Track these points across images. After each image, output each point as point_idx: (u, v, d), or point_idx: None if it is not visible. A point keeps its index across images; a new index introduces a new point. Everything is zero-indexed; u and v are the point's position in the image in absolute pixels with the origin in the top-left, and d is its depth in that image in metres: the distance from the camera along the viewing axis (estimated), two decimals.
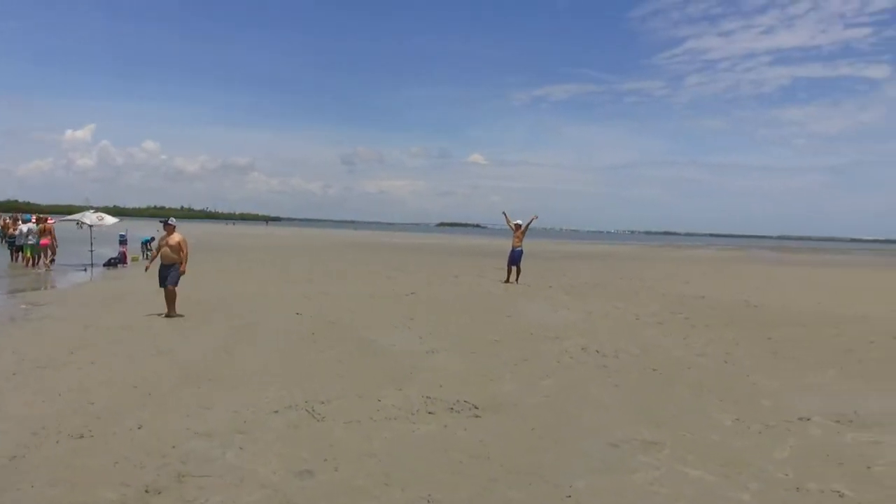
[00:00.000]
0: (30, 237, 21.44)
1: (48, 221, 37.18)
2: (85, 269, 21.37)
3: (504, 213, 20.18)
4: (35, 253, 21.71)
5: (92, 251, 23.00)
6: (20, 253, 22.33)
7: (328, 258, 31.85)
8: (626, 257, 45.12)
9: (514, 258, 19.32)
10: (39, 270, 21.11)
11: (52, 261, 22.19)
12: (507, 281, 19.45)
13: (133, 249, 26.22)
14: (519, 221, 19.49)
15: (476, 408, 6.47)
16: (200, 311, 12.33)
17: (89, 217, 22.60)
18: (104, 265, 22.85)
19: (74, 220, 23.41)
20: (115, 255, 24.19)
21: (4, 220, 34.23)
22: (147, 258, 24.37)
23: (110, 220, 23.55)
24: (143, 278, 18.09)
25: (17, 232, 22.70)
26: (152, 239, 25.43)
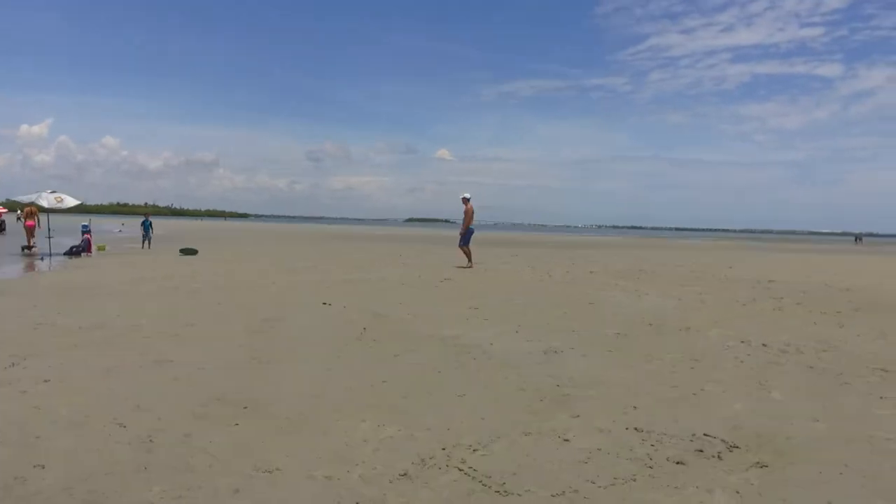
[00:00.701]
0: None
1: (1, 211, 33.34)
2: (42, 258, 18.01)
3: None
4: None
5: (50, 238, 19.51)
6: None
7: (321, 247, 28.74)
8: (631, 246, 42.91)
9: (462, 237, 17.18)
10: None
11: None
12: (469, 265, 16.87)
13: (107, 239, 22.87)
14: (467, 195, 17.07)
15: (734, 447, 3.75)
16: (200, 304, 9.35)
17: (46, 198, 18.99)
18: (65, 254, 19.46)
19: (28, 203, 19.89)
20: (77, 243, 20.72)
21: None
22: (148, 241, 22.04)
23: (71, 200, 19.80)
24: (114, 268, 15.02)
25: None
26: (150, 223, 22.95)
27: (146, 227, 22.33)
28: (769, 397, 4.81)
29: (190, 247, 20.93)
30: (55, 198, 18.93)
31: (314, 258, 20.32)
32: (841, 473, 3.35)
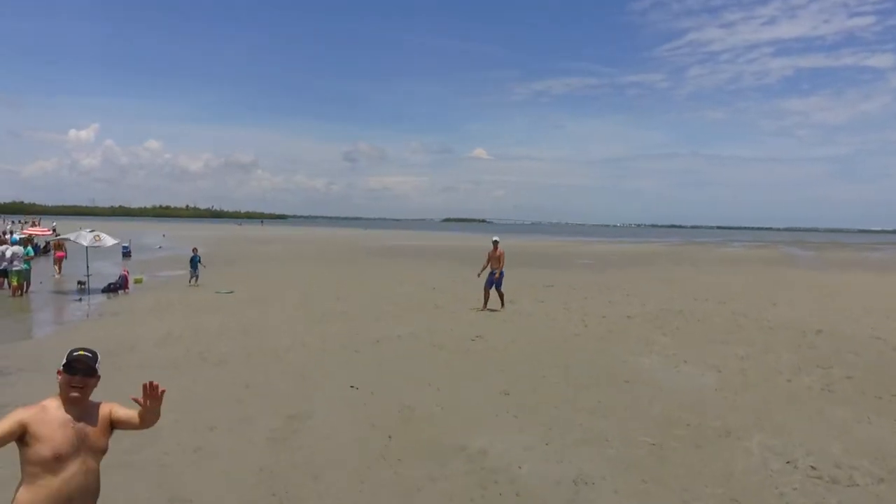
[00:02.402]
0: (14, 262, 18.39)
1: (45, 232, 34.41)
2: (80, 299, 18.33)
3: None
4: (23, 280, 18.69)
5: (89, 276, 19.90)
6: (5, 279, 19.32)
7: (353, 274, 28.71)
8: (667, 261, 41.99)
9: (495, 281, 17.11)
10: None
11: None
12: (485, 308, 16.93)
13: (147, 259, 23.21)
14: (496, 238, 17.65)
15: None
16: (225, 389, 9.29)
17: (85, 238, 19.47)
18: (102, 291, 19.82)
19: (68, 240, 20.37)
20: (114, 278, 21.09)
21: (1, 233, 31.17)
22: (196, 278, 21.80)
23: (109, 240, 20.40)
24: (146, 317, 15.19)
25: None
26: (199, 259, 22.53)
27: (194, 264, 22.22)
28: None
29: (225, 289, 20.96)
30: (94, 237, 19.38)
31: (346, 295, 20.26)
32: None
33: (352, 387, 9.36)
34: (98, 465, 3.33)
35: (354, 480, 6.09)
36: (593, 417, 8.09)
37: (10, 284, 18.81)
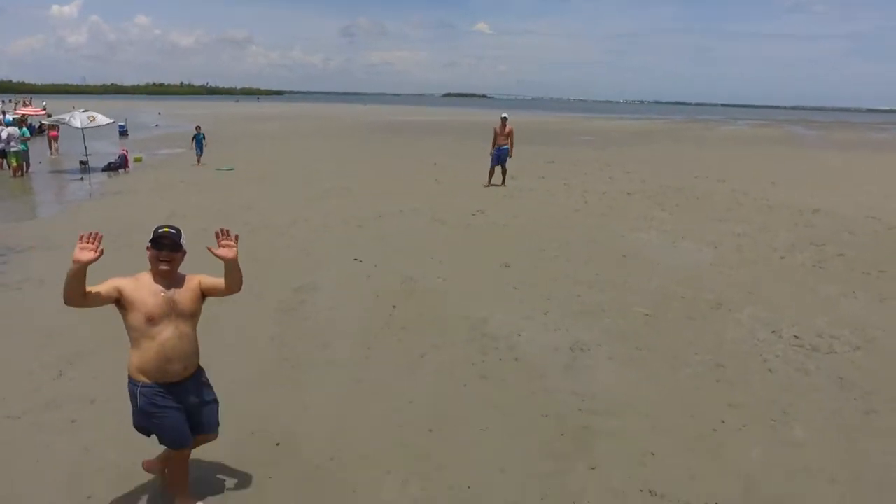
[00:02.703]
0: (12, 143, 18.22)
1: (39, 112, 33.84)
2: (81, 178, 18.33)
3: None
4: (22, 160, 18.60)
5: (88, 156, 19.78)
6: (4, 160, 19.23)
7: (354, 150, 28.46)
8: (669, 139, 41.50)
9: (500, 157, 17.02)
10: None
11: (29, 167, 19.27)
12: (489, 184, 17.06)
13: (143, 138, 22.99)
14: (505, 115, 17.25)
15: None
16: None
17: (79, 118, 19.13)
18: (102, 169, 19.80)
19: (62, 121, 20.04)
20: (113, 157, 20.98)
21: None
22: (198, 154, 21.35)
23: (103, 119, 20.04)
24: (150, 198, 15.24)
25: None
26: (203, 136, 21.89)
27: (199, 142, 21.69)
28: (790, 437, 4.83)
29: (226, 166, 20.82)
30: (88, 117, 19.08)
31: (346, 171, 20.25)
32: None
33: (356, 260, 9.62)
34: (192, 329, 3.67)
35: (361, 348, 6.42)
36: (591, 290, 8.38)
37: (9, 165, 18.72)
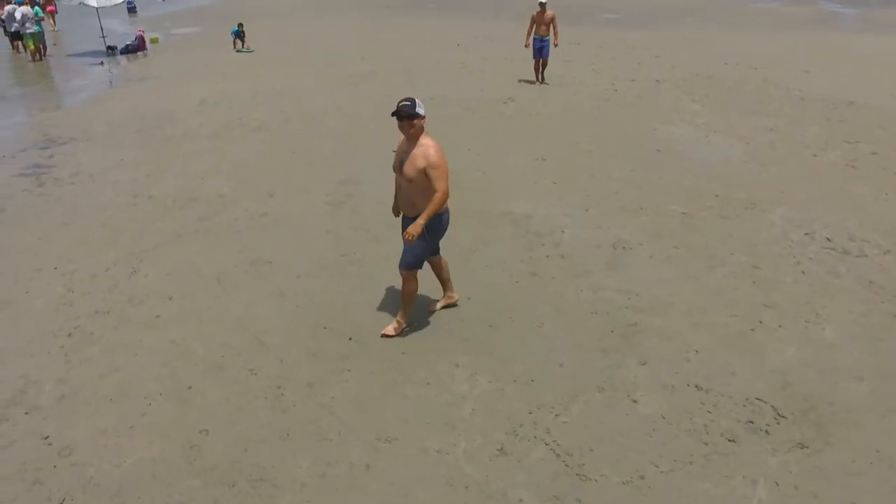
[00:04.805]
0: (27, 24, 17.82)
1: None
2: (101, 63, 18.11)
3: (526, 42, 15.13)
4: (39, 43, 18.28)
5: (104, 37, 19.41)
6: (20, 42, 18.89)
7: (373, 28, 27.55)
8: (697, 17, 39.65)
9: (543, 49, 14.84)
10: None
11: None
12: (538, 80, 15.26)
13: (152, 15, 22.38)
14: (543, 0, 14.46)
15: (781, 416, 4.31)
16: (273, 156, 9.73)
17: None
18: (121, 53, 19.48)
19: (75, 2, 19.48)
20: (129, 38, 20.56)
21: None
22: (243, 47, 20.04)
23: None
24: (175, 82, 15.14)
25: (5, 14, 19.02)
26: (243, 34, 20.35)
27: (239, 37, 20.33)
28: (822, 337, 5.22)
29: (245, 48, 20.25)
30: None
31: (367, 52, 19.84)
32: (871, 463, 3.89)
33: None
34: (412, 185, 4.59)
35: None
36: (628, 187, 8.58)
37: (26, 48, 18.41)
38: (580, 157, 9.82)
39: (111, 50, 19.08)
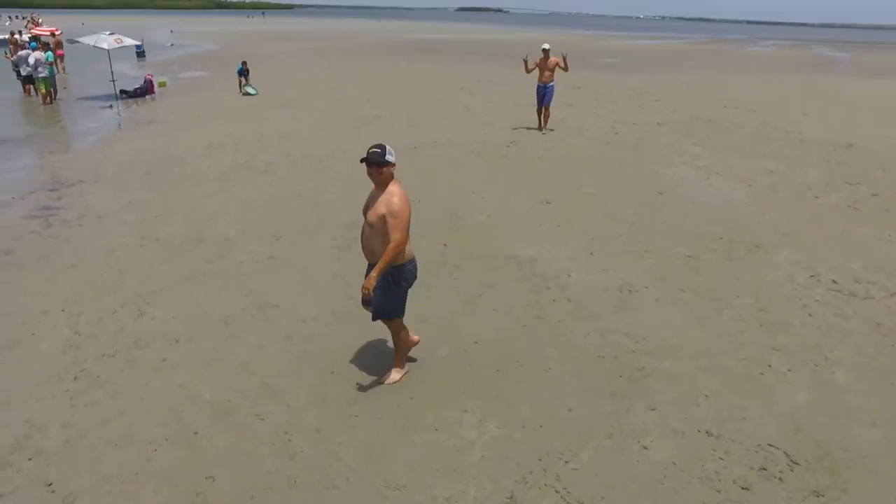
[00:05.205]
0: (39, 68, 18.20)
1: (56, 33, 33.59)
2: (111, 106, 18.41)
3: (524, 60, 14.84)
4: (50, 87, 18.63)
5: (114, 81, 19.81)
6: (31, 85, 19.26)
7: (377, 73, 28.07)
8: (694, 62, 40.50)
9: (546, 97, 14.80)
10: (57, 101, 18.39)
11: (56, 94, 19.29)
12: (541, 127, 15.10)
13: (161, 60, 22.84)
14: (546, 46, 14.61)
15: (795, 463, 4.24)
16: (280, 199, 9.82)
17: (106, 41, 19.08)
18: (129, 96, 19.81)
19: (88, 45, 19.92)
20: (137, 82, 20.96)
21: (11, 35, 30.23)
22: (245, 86, 20.56)
23: (129, 41, 20.09)
24: (183, 125, 15.37)
25: (16, 58, 19.45)
26: (247, 71, 21.03)
27: (243, 75, 21.01)
28: (832, 381, 5.19)
29: (251, 89, 20.68)
30: (115, 39, 19.01)
31: (372, 96, 20.19)
32: None
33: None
34: (373, 231, 4.49)
35: (420, 287, 6.65)
36: (632, 229, 8.63)
37: (37, 92, 18.76)
38: (584, 200, 9.91)
39: (124, 94, 19.43)
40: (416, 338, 5.25)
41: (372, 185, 4.64)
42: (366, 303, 4.73)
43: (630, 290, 6.77)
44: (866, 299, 6.71)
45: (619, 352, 5.56)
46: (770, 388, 5.06)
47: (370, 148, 4.48)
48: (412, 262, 4.71)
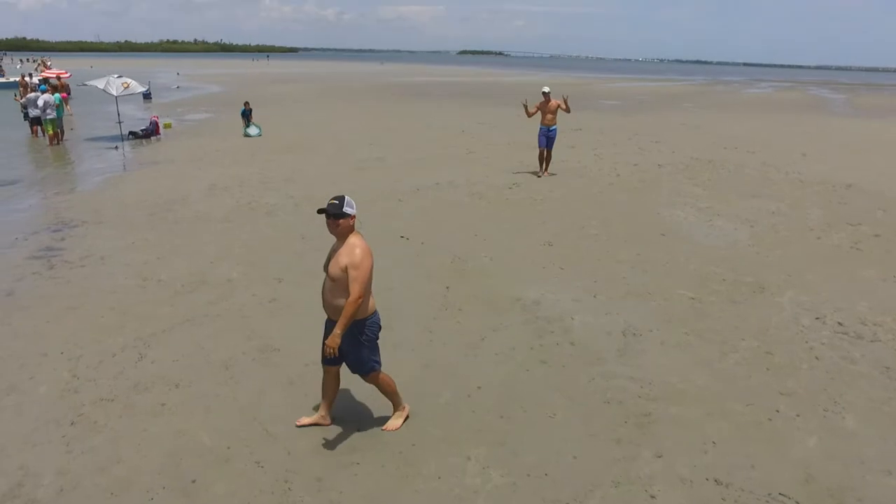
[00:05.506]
0: (48, 111, 18.47)
1: (64, 75, 34.19)
2: (116, 147, 18.60)
3: (524, 104, 14.78)
4: (58, 128, 18.88)
5: (121, 123, 20.08)
6: (39, 127, 19.52)
7: (380, 115, 28.43)
8: (694, 103, 40.99)
9: (549, 140, 14.71)
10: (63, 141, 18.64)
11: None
12: (541, 171, 14.90)
13: (167, 103, 23.17)
14: (547, 89, 14.66)
15: None
16: (282, 240, 9.83)
17: (114, 85, 19.40)
18: (135, 137, 20.04)
19: (97, 87, 20.24)
20: (143, 123, 21.24)
21: (22, 77, 30.73)
22: (248, 127, 20.71)
23: (137, 87, 20.43)
24: (188, 167, 15.49)
25: (25, 100, 19.78)
26: (250, 112, 21.39)
27: (245, 116, 21.32)
28: (843, 427, 5.09)
29: (254, 130, 20.94)
30: (122, 84, 19.31)
31: (375, 138, 20.40)
32: None
33: (402, 237, 9.88)
34: (335, 285, 4.37)
35: (423, 331, 6.72)
36: (635, 271, 8.60)
37: (45, 133, 19.00)
38: (586, 242, 9.90)
39: (133, 135, 19.70)
40: (328, 419, 5.01)
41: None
42: (328, 361, 4.63)
43: (634, 334, 6.71)
44: (873, 342, 6.64)
45: (624, 397, 5.47)
46: (779, 435, 4.97)
47: (330, 199, 4.39)
48: (375, 314, 4.58)
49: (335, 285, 4.38)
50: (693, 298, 7.71)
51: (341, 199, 4.36)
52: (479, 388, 5.58)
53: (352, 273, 4.27)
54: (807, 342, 6.62)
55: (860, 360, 6.23)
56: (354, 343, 4.51)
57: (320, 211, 4.41)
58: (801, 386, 5.72)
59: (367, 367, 4.66)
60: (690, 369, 5.98)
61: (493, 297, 7.61)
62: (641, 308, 7.38)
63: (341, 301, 4.35)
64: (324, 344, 4.43)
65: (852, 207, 12.60)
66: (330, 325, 4.53)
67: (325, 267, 4.52)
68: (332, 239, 4.61)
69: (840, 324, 7.08)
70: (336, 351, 4.36)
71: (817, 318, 7.21)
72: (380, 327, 4.68)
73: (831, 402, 5.46)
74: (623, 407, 5.32)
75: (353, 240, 4.41)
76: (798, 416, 5.23)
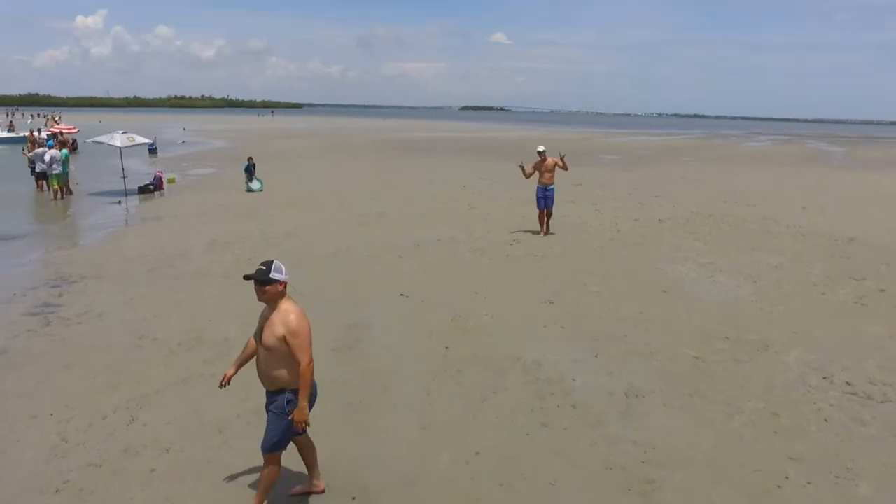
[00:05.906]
0: (54, 165, 18.71)
1: (72, 130, 34.77)
2: (119, 202, 18.76)
3: (521, 166, 14.43)
4: (63, 183, 19.09)
5: (125, 177, 20.30)
6: (45, 181, 19.74)
7: (382, 171, 28.73)
8: (693, 157, 41.42)
9: (547, 199, 14.41)
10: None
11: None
12: (543, 231, 14.54)
13: (172, 157, 23.44)
14: (542, 148, 14.32)
15: None
16: None
17: (119, 139, 19.75)
18: (139, 191, 20.24)
19: (103, 143, 20.57)
20: (147, 178, 21.49)
21: (31, 133, 31.24)
22: (251, 182, 20.87)
23: (141, 140, 20.82)
24: (190, 221, 15.60)
25: (33, 154, 20.10)
26: (253, 167, 21.49)
27: (249, 172, 21.48)
28: (856, 494, 4.92)
29: (253, 185, 21.11)
30: (128, 138, 19.66)
31: (377, 194, 20.55)
32: None
33: (402, 295, 9.80)
34: (271, 355, 4.18)
35: (421, 392, 6.58)
36: (636, 329, 8.49)
37: (50, 187, 19.22)
38: (587, 299, 9.82)
39: (141, 190, 19.96)
40: (321, 484, 4.80)
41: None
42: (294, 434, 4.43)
43: (637, 395, 6.56)
44: (884, 402, 6.49)
45: (627, 462, 5.31)
46: (789, 503, 4.79)
47: (259, 265, 4.23)
48: (313, 384, 4.35)
49: (270, 355, 4.18)
50: (696, 357, 7.59)
51: (268, 264, 4.18)
52: (477, 453, 5.42)
53: (293, 342, 4.10)
54: (815, 403, 6.46)
55: (871, 423, 6.07)
56: (281, 415, 4.28)
57: (247, 277, 4.21)
58: (810, 450, 5.55)
59: (277, 441, 4.35)
60: (695, 432, 5.83)
61: (494, 356, 7.49)
62: (643, 368, 7.25)
63: (279, 372, 4.18)
64: (292, 421, 4.24)
65: (855, 261, 12.54)
66: (270, 397, 4.35)
67: (257, 336, 4.27)
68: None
69: (848, 383, 6.93)
70: (307, 423, 4.26)
71: (824, 378, 7.07)
72: (315, 398, 4.46)
73: (843, 467, 5.28)
74: (626, 473, 5.15)
75: (284, 305, 4.21)
76: (809, 483, 5.06)
